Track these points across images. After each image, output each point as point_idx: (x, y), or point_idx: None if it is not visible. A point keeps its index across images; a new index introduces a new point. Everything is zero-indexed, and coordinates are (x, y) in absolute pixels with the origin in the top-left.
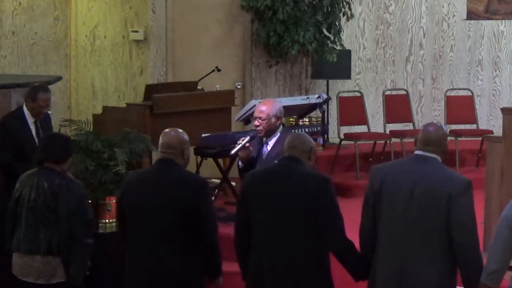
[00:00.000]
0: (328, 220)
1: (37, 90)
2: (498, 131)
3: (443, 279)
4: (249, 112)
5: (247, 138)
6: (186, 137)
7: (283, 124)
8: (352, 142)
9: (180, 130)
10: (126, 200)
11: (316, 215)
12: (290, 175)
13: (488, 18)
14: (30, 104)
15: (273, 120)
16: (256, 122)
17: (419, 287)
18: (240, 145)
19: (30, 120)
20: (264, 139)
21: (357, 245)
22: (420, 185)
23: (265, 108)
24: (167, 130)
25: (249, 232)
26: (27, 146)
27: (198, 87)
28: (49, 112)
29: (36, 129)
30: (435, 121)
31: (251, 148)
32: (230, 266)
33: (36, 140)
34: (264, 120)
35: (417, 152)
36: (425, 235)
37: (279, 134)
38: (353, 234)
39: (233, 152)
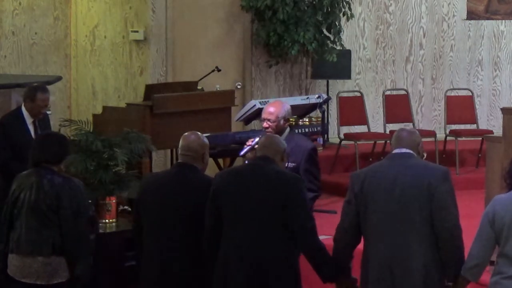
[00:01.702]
0: (299, 220)
1: (35, 90)
2: (498, 131)
3: (432, 268)
4: (249, 112)
5: (256, 139)
6: (206, 140)
7: (290, 126)
8: (352, 142)
9: (200, 133)
10: (142, 203)
11: (286, 214)
12: (262, 173)
13: (488, 18)
14: (29, 104)
15: (281, 122)
16: (265, 124)
17: (410, 277)
18: (250, 146)
19: (29, 120)
20: None
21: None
22: (401, 177)
23: (274, 110)
24: (187, 133)
25: (218, 237)
26: (26, 146)
27: (198, 87)
28: (49, 112)
29: (35, 129)
30: (406, 127)
31: None
32: None
33: None
34: (273, 122)
35: (393, 151)
36: (410, 226)
37: (286, 135)
38: None
39: (242, 153)
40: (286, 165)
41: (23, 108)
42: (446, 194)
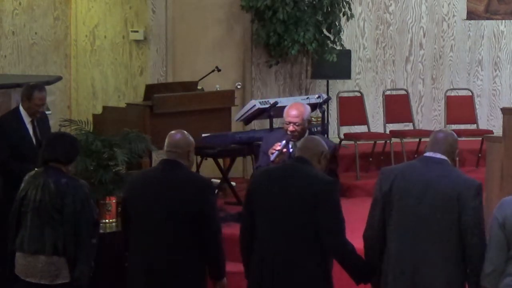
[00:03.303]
0: (329, 222)
1: (32, 89)
2: (498, 131)
3: (454, 279)
4: (249, 112)
5: (283, 143)
6: (192, 139)
7: None
8: (352, 142)
9: (186, 132)
10: (130, 201)
11: (316, 216)
12: (297, 175)
13: (488, 18)
14: (26, 103)
15: (306, 124)
16: (291, 128)
17: (431, 286)
18: (278, 151)
19: (27, 119)
20: (290, 143)
21: (359, 246)
22: (431, 186)
23: (298, 112)
24: (173, 132)
25: (254, 234)
26: (24, 146)
27: (198, 87)
28: (49, 112)
29: (33, 129)
30: (444, 129)
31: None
32: (232, 266)
33: (33, 139)
34: (299, 125)
35: (426, 154)
36: (435, 236)
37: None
38: (352, 234)
39: (272, 158)
40: None
41: (21, 108)
42: (476, 210)
